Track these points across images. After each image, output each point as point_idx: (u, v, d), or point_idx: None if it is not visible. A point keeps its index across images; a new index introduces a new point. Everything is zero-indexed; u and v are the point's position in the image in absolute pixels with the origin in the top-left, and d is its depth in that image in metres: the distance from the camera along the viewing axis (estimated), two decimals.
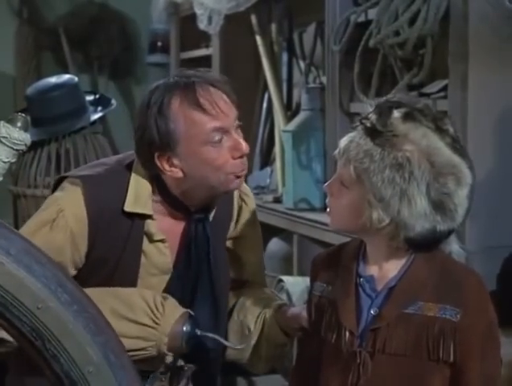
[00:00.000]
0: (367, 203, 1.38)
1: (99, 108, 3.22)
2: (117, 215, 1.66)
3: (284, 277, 2.84)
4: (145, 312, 1.61)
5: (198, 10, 3.80)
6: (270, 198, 3.41)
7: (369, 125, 1.40)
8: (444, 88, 2.41)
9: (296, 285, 2.76)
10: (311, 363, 1.54)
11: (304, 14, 3.58)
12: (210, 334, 1.63)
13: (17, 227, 3.05)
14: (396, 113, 1.39)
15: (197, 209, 1.72)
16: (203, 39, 4.09)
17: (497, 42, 2.25)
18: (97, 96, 3.32)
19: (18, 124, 1.53)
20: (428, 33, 2.34)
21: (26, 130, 1.55)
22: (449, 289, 1.41)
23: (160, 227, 1.69)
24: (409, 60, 2.51)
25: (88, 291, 1.16)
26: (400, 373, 1.41)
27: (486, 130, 2.29)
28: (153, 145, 1.63)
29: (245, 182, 1.81)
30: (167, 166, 1.64)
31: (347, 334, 1.44)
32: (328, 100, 2.95)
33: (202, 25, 3.79)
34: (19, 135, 1.50)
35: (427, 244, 1.41)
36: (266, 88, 3.75)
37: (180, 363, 1.74)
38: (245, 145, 1.66)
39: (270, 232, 3.17)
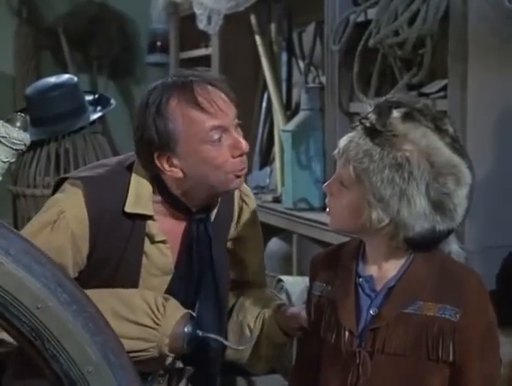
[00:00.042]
0: (366, 203, 1.38)
1: (98, 108, 3.22)
2: (117, 217, 1.66)
3: (284, 277, 2.84)
4: (146, 313, 1.60)
5: (197, 10, 3.80)
6: (269, 198, 3.41)
7: (368, 124, 1.40)
8: (444, 88, 2.41)
9: (296, 284, 2.76)
10: (310, 363, 1.54)
11: (304, 13, 3.58)
12: (211, 335, 1.63)
13: (16, 227, 3.05)
14: (395, 113, 1.39)
15: (198, 209, 1.71)
16: (202, 38, 4.09)
17: (497, 42, 2.26)
18: (97, 95, 3.32)
19: (18, 124, 1.53)
20: (428, 33, 2.34)
21: (25, 130, 1.55)
22: (449, 289, 1.41)
23: (161, 227, 1.69)
24: (408, 60, 2.51)
25: (89, 292, 1.16)
26: (399, 373, 1.41)
27: (486, 130, 2.29)
28: (152, 146, 1.63)
29: (245, 182, 1.80)
30: (166, 166, 1.64)
31: (346, 333, 1.44)
32: (327, 100, 2.95)
33: (201, 25, 3.79)
34: (19, 135, 1.50)
35: (426, 244, 1.41)
36: (265, 87, 3.75)
37: (179, 364, 1.73)
38: (244, 144, 1.65)
39: (269, 231, 3.16)
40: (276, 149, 3.56)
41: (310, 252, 2.53)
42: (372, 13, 2.58)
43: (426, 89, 2.51)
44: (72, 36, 5.24)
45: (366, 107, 1.44)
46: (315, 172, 3.08)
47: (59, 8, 5.31)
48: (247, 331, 1.78)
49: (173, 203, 1.69)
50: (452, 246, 1.47)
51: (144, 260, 1.69)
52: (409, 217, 1.36)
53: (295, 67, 3.91)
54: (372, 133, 1.38)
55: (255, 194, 2.02)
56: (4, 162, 1.53)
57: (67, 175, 1.76)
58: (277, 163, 3.51)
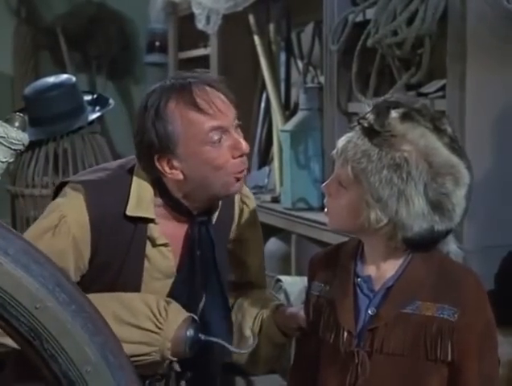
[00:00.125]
0: (365, 204, 1.38)
1: (97, 108, 3.22)
2: (119, 220, 1.65)
3: (282, 277, 2.84)
4: (148, 317, 1.60)
5: (196, 10, 3.80)
6: (268, 197, 3.41)
7: (366, 125, 1.40)
8: (442, 88, 2.41)
9: (294, 284, 2.76)
10: (309, 363, 1.54)
11: (302, 13, 3.59)
12: (214, 339, 1.62)
13: (15, 226, 3.05)
14: (394, 113, 1.39)
15: (199, 212, 1.71)
16: (201, 38, 4.09)
17: (495, 42, 2.26)
18: (95, 95, 3.32)
19: (16, 123, 1.52)
20: (426, 33, 2.34)
21: (24, 130, 1.54)
22: (447, 289, 1.41)
23: (163, 231, 1.69)
24: (407, 60, 2.51)
25: (91, 296, 1.16)
26: (398, 373, 1.41)
27: (484, 130, 2.29)
28: (152, 148, 1.63)
29: (244, 182, 1.80)
30: (167, 169, 1.64)
31: (345, 334, 1.44)
32: (326, 100, 2.95)
33: (200, 25, 3.79)
34: (17, 135, 1.49)
35: (424, 244, 1.41)
36: (264, 87, 3.75)
37: (176, 367, 1.73)
38: (245, 145, 1.65)
39: (268, 231, 3.16)
40: (275, 149, 3.56)
41: (309, 252, 2.53)
42: (370, 13, 2.58)
43: (424, 89, 2.51)
44: (70, 36, 5.24)
45: (365, 107, 1.45)
46: (314, 172, 3.08)
47: (58, 8, 5.31)
48: (247, 332, 1.78)
49: (174, 205, 1.69)
50: (451, 246, 1.47)
51: (146, 263, 1.69)
52: (407, 217, 1.36)
53: (294, 67, 3.91)
54: (370, 133, 1.38)
55: (254, 194, 2.02)
56: (2, 162, 1.52)
57: (67, 179, 1.75)
58: (275, 163, 3.51)
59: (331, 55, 2.86)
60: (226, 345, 1.62)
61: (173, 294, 1.71)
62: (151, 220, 1.67)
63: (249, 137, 3.67)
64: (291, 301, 2.67)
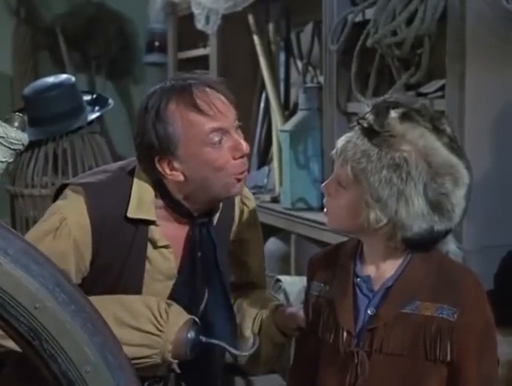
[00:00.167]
0: (364, 204, 1.38)
1: (96, 108, 3.22)
2: (120, 222, 1.65)
3: (282, 277, 2.84)
4: (149, 319, 1.59)
5: (196, 10, 3.80)
6: (267, 197, 3.41)
7: (366, 125, 1.40)
8: (442, 88, 2.41)
9: (294, 284, 2.76)
10: (308, 363, 1.54)
11: (302, 13, 3.59)
12: (215, 341, 1.61)
13: (14, 226, 3.05)
14: (393, 114, 1.39)
15: (200, 214, 1.71)
16: (200, 38, 4.09)
17: (495, 42, 2.26)
18: (95, 95, 3.32)
19: (16, 123, 1.52)
20: (426, 33, 2.34)
21: (23, 130, 1.54)
22: (446, 289, 1.41)
23: (164, 232, 1.68)
24: (406, 60, 2.51)
25: (92, 299, 1.15)
26: (397, 373, 1.41)
27: (483, 130, 2.29)
28: (153, 150, 1.62)
29: (244, 183, 1.80)
30: (168, 170, 1.64)
31: (344, 334, 1.44)
32: (325, 100, 2.95)
33: (200, 25, 3.79)
34: (17, 135, 1.49)
35: (424, 244, 1.41)
36: (263, 87, 3.75)
37: (176, 369, 1.72)
38: (245, 146, 1.65)
39: (267, 231, 3.16)
40: (274, 149, 3.56)
41: (308, 252, 2.53)
42: (370, 13, 2.58)
43: (424, 89, 2.51)
44: (70, 36, 5.24)
45: (364, 107, 1.44)
46: (314, 172, 3.09)
47: (58, 8, 5.31)
48: (247, 333, 1.78)
49: (175, 207, 1.69)
50: (450, 246, 1.47)
51: (147, 265, 1.68)
52: (407, 217, 1.36)
53: (293, 67, 3.91)
54: (370, 133, 1.38)
55: (253, 194, 2.02)
56: (2, 161, 1.52)
57: (68, 181, 1.75)
58: (275, 163, 3.51)
59: (330, 55, 2.86)
60: (227, 347, 1.62)
61: (174, 296, 1.70)
62: (152, 222, 1.67)
63: (248, 137, 3.66)
64: (290, 301, 2.67)
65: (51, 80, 3.14)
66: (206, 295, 1.74)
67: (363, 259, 1.48)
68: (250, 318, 1.80)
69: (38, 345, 1.06)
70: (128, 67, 5.53)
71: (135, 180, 1.68)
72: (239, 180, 1.67)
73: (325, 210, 1.48)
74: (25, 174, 3.11)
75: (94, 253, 1.65)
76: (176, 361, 1.62)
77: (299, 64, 3.82)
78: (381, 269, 1.45)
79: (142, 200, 1.66)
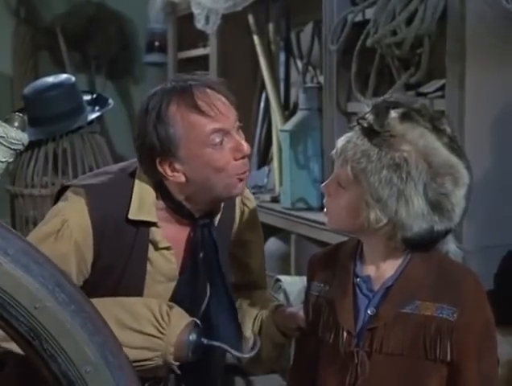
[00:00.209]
0: (364, 204, 1.38)
1: (96, 108, 3.22)
2: (121, 224, 1.65)
3: (282, 277, 2.84)
4: (150, 322, 1.59)
5: (195, 10, 3.80)
6: (267, 197, 3.41)
7: (366, 125, 1.40)
8: (442, 88, 2.41)
9: (294, 284, 2.76)
10: (308, 363, 1.54)
11: (302, 13, 3.59)
12: (216, 343, 1.61)
13: (14, 226, 3.05)
14: (393, 114, 1.39)
15: (202, 215, 1.71)
16: (200, 38, 4.09)
17: (495, 41, 2.26)
18: (95, 95, 3.32)
19: (16, 123, 1.52)
20: (425, 33, 2.34)
21: (23, 130, 1.54)
22: (446, 289, 1.41)
23: (165, 234, 1.68)
24: (406, 60, 2.51)
25: (93, 301, 1.15)
26: (397, 373, 1.41)
27: (483, 130, 2.29)
28: (154, 151, 1.62)
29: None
30: (169, 172, 1.63)
31: (344, 334, 1.44)
32: (325, 100, 2.95)
33: (199, 24, 3.79)
34: (17, 135, 1.49)
35: (424, 244, 1.41)
36: (263, 87, 3.75)
37: (176, 370, 1.72)
38: (246, 146, 1.65)
39: (267, 231, 3.16)
40: (274, 148, 3.56)
41: (308, 252, 2.53)
42: (370, 13, 2.58)
43: (424, 89, 2.51)
44: (70, 36, 5.24)
45: (364, 107, 1.44)
46: (314, 172, 3.09)
47: (57, 8, 5.31)
48: (247, 333, 1.77)
49: (177, 208, 1.68)
50: (450, 246, 1.47)
51: (148, 267, 1.68)
52: (407, 217, 1.36)
53: (293, 67, 3.91)
54: (370, 133, 1.38)
55: (253, 193, 2.02)
56: (2, 161, 1.52)
57: (69, 183, 1.74)
58: (275, 163, 3.51)
59: (330, 54, 2.86)
60: (229, 349, 1.61)
61: (176, 297, 1.70)
62: (153, 224, 1.67)
63: (248, 136, 3.66)
64: (290, 300, 2.67)
65: (51, 79, 3.14)
66: (207, 296, 1.73)
67: (363, 259, 1.48)
68: (250, 318, 1.80)
69: (38, 345, 1.06)
70: (128, 67, 5.53)
71: (136, 182, 1.68)
72: (241, 180, 1.67)
73: (325, 210, 1.48)
74: (25, 174, 3.12)
75: (95, 255, 1.65)
76: (178, 363, 1.62)
77: (299, 64, 3.83)
78: (381, 269, 1.45)
79: (144, 202, 1.66)
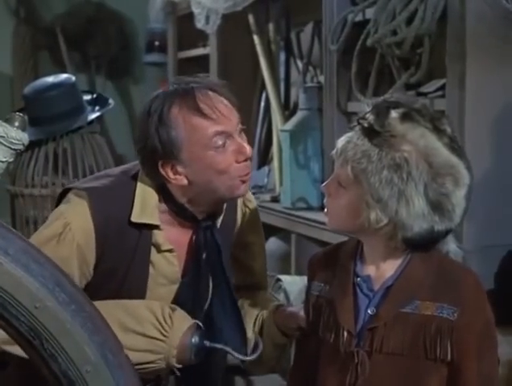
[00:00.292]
0: (365, 204, 1.38)
1: (96, 108, 3.22)
2: (124, 227, 1.65)
3: (282, 277, 2.84)
4: (153, 325, 1.59)
5: (195, 10, 3.80)
6: (267, 197, 3.41)
7: (366, 125, 1.40)
8: (442, 88, 2.41)
9: (294, 284, 2.76)
10: (309, 363, 1.54)
11: (302, 13, 3.59)
12: (219, 345, 1.61)
13: (14, 226, 3.05)
14: (394, 114, 1.39)
15: (204, 217, 1.70)
16: (200, 38, 4.09)
17: (495, 41, 2.26)
18: (95, 95, 3.32)
19: (16, 123, 1.52)
20: (426, 32, 2.34)
21: (23, 130, 1.54)
22: (446, 288, 1.41)
23: (167, 237, 1.68)
24: (406, 60, 2.51)
25: (96, 304, 1.15)
26: (398, 372, 1.41)
27: (484, 130, 2.29)
28: (156, 154, 1.62)
29: None
30: (171, 174, 1.63)
31: (345, 333, 1.44)
32: (325, 100, 2.95)
33: (199, 24, 3.79)
34: (17, 134, 1.49)
35: (424, 244, 1.41)
36: (263, 87, 3.75)
37: (176, 372, 1.72)
38: (249, 149, 1.65)
39: (267, 231, 3.16)
40: (274, 148, 3.56)
41: (308, 252, 2.53)
42: (370, 12, 2.58)
43: (424, 89, 2.51)
44: (69, 36, 5.24)
45: (364, 106, 1.44)
46: (314, 172, 3.09)
47: (57, 8, 5.31)
48: (248, 334, 1.77)
49: (179, 211, 1.68)
50: (450, 245, 1.47)
51: (151, 269, 1.68)
52: (407, 217, 1.36)
53: (293, 67, 3.91)
54: (370, 133, 1.38)
55: (254, 193, 2.02)
56: (2, 161, 1.52)
57: (71, 186, 1.74)
58: (275, 163, 3.51)
59: (330, 54, 2.86)
60: (231, 352, 1.61)
61: (178, 300, 1.70)
62: (156, 226, 1.67)
63: (248, 136, 3.66)
64: (290, 300, 2.67)
65: (51, 79, 3.14)
66: (209, 298, 1.73)
67: (363, 259, 1.48)
68: (251, 318, 1.80)
69: (38, 344, 1.06)
70: (128, 66, 5.53)
71: (139, 184, 1.68)
72: (243, 182, 1.66)
73: (325, 210, 1.48)
74: (25, 174, 3.12)
75: (98, 258, 1.65)
76: (180, 366, 1.62)
77: (299, 64, 3.82)
78: (382, 269, 1.45)
79: (146, 204, 1.66)
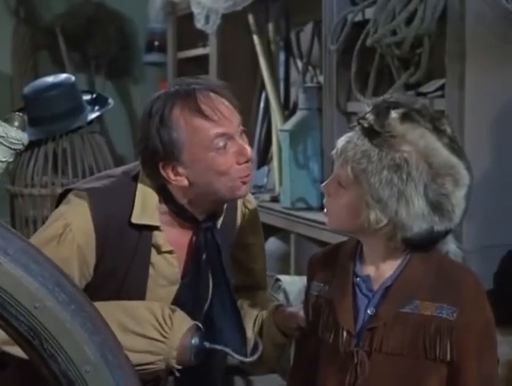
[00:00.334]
0: (365, 204, 1.38)
1: (96, 108, 3.22)
2: (124, 228, 1.65)
3: (281, 277, 2.84)
4: (153, 326, 1.59)
5: (195, 10, 3.80)
6: (267, 197, 3.41)
7: (366, 125, 1.39)
8: (441, 88, 2.41)
9: (293, 284, 2.76)
10: (308, 363, 1.54)
11: (301, 13, 3.59)
12: (218, 347, 1.61)
13: (14, 226, 3.05)
14: (394, 114, 1.39)
15: (205, 218, 1.70)
16: (200, 38, 4.09)
17: (494, 41, 2.26)
18: (94, 95, 3.32)
19: (16, 123, 1.52)
20: (425, 32, 2.34)
21: (23, 129, 1.54)
22: (446, 288, 1.41)
23: (168, 238, 1.68)
24: (406, 60, 2.51)
25: (96, 305, 1.15)
26: (397, 372, 1.41)
27: (483, 130, 2.29)
28: (157, 155, 1.62)
29: None
30: (172, 175, 1.63)
31: (344, 333, 1.44)
32: (325, 100, 2.95)
33: (199, 24, 3.79)
34: (17, 134, 1.49)
35: (424, 245, 1.41)
36: (263, 87, 3.75)
37: (176, 373, 1.71)
38: (249, 151, 1.65)
39: (267, 231, 3.16)
40: (274, 148, 3.56)
41: (308, 252, 2.53)
42: (370, 12, 2.58)
43: (423, 89, 2.51)
44: (69, 36, 5.25)
45: (364, 106, 1.44)
46: (313, 172, 3.08)
47: (57, 8, 5.31)
48: (248, 334, 1.77)
49: (179, 212, 1.68)
50: (450, 246, 1.47)
51: (151, 270, 1.68)
52: (407, 218, 1.36)
53: (293, 67, 3.91)
54: (370, 133, 1.38)
55: (253, 193, 2.02)
56: (2, 161, 1.52)
57: (71, 187, 1.74)
58: (275, 163, 3.51)
59: (330, 54, 2.86)
60: (231, 353, 1.61)
61: (178, 301, 1.70)
62: (156, 228, 1.66)
63: (248, 136, 3.66)
64: (290, 300, 2.67)
65: (50, 79, 3.14)
66: (209, 299, 1.73)
67: (363, 259, 1.48)
68: (251, 319, 1.80)
69: (38, 344, 1.05)
70: (128, 66, 5.53)
71: (139, 185, 1.68)
72: (244, 183, 1.66)
73: (325, 210, 1.48)
74: (25, 174, 3.12)
75: (98, 258, 1.65)
76: (180, 367, 1.61)
77: (299, 64, 3.82)
78: (381, 269, 1.45)
79: (146, 205, 1.66)
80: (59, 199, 1.72)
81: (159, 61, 4.92)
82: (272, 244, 3.35)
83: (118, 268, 1.66)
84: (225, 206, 1.75)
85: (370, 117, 1.40)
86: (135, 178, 1.69)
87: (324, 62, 2.93)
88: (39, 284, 1.05)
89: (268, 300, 1.88)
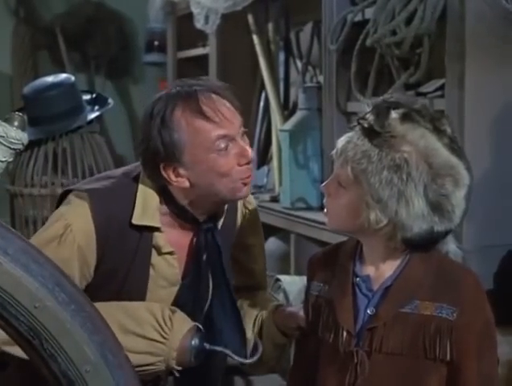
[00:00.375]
0: (365, 204, 1.38)
1: (96, 108, 3.22)
2: (125, 229, 1.65)
3: (281, 277, 2.84)
4: (153, 327, 1.59)
5: (195, 9, 3.80)
6: (267, 197, 3.41)
7: (366, 125, 1.39)
8: (441, 88, 2.41)
9: (293, 284, 2.76)
10: (308, 363, 1.54)
11: (301, 13, 3.59)
12: (218, 348, 1.61)
13: (14, 226, 3.05)
14: (394, 114, 1.39)
15: (205, 219, 1.70)
16: (200, 38, 4.09)
17: (494, 41, 2.26)
18: (94, 95, 3.32)
19: (16, 123, 1.52)
20: (425, 32, 2.34)
21: (23, 129, 1.54)
22: (446, 288, 1.41)
23: (168, 239, 1.68)
24: (406, 60, 2.51)
25: (96, 305, 1.15)
26: (397, 372, 1.41)
27: (483, 129, 2.29)
28: (158, 156, 1.62)
29: None
30: (173, 177, 1.63)
31: (344, 333, 1.44)
32: (325, 100, 2.95)
33: (199, 24, 3.79)
34: (16, 134, 1.49)
35: (424, 245, 1.41)
36: (263, 87, 3.75)
37: (175, 373, 1.71)
38: (251, 152, 1.65)
39: (267, 231, 3.16)
40: (274, 148, 3.56)
41: (308, 252, 2.53)
42: (369, 12, 2.58)
43: (423, 89, 2.51)
44: (69, 36, 5.25)
45: (364, 106, 1.44)
46: (313, 172, 3.08)
47: (57, 7, 5.31)
48: (248, 335, 1.77)
49: (180, 213, 1.68)
50: (450, 246, 1.47)
51: (151, 271, 1.68)
52: (407, 218, 1.36)
53: (293, 67, 3.91)
54: (370, 133, 1.38)
55: (253, 193, 2.02)
56: (2, 161, 1.52)
57: (71, 187, 1.74)
58: (275, 163, 3.51)
59: (330, 54, 2.86)
60: (231, 354, 1.61)
61: (178, 302, 1.70)
62: (157, 229, 1.66)
63: (248, 136, 3.66)
64: (290, 300, 2.67)
65: (50, 79, 3.14)
66: (209, 299, 1.73)
67: (362, 259, 1.48)
68: (251, 319, 1.80)
69: (38, 344, 1.05)
70: (127, 66, 5.53)
71: (140, 186, 1.67)
72: (245, 184, 1.66)
73: (325, 210, 1.48)
74: (24, 174, 3.12)
75: (98, 259, 1.65)
76: (180, 368, 1.61)
77: (299, 64, 3.82)
78: (381, 269, 1.45)
79: (147, 207, 1.66)
80: (60, 200, 1.72)
81: (159, 61, 4.92)
82: (272, 244, 3.35)
83: (119, 269, 1.66)
84: (226, 207, 1.75)
85: (370, 117, 1.40)
86: (136, 179, 1.69)
87: (324, 62, 2.93)
88: (39, 284, 1.04)
89: (268, 300, 1.88)
